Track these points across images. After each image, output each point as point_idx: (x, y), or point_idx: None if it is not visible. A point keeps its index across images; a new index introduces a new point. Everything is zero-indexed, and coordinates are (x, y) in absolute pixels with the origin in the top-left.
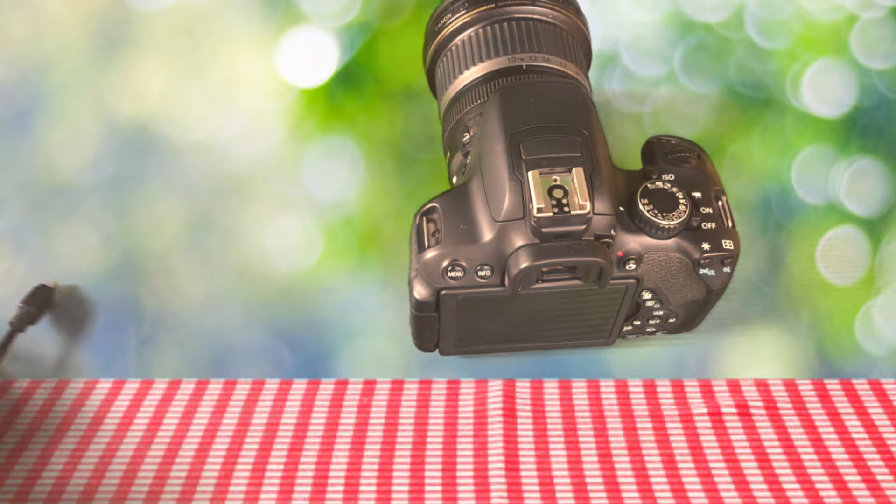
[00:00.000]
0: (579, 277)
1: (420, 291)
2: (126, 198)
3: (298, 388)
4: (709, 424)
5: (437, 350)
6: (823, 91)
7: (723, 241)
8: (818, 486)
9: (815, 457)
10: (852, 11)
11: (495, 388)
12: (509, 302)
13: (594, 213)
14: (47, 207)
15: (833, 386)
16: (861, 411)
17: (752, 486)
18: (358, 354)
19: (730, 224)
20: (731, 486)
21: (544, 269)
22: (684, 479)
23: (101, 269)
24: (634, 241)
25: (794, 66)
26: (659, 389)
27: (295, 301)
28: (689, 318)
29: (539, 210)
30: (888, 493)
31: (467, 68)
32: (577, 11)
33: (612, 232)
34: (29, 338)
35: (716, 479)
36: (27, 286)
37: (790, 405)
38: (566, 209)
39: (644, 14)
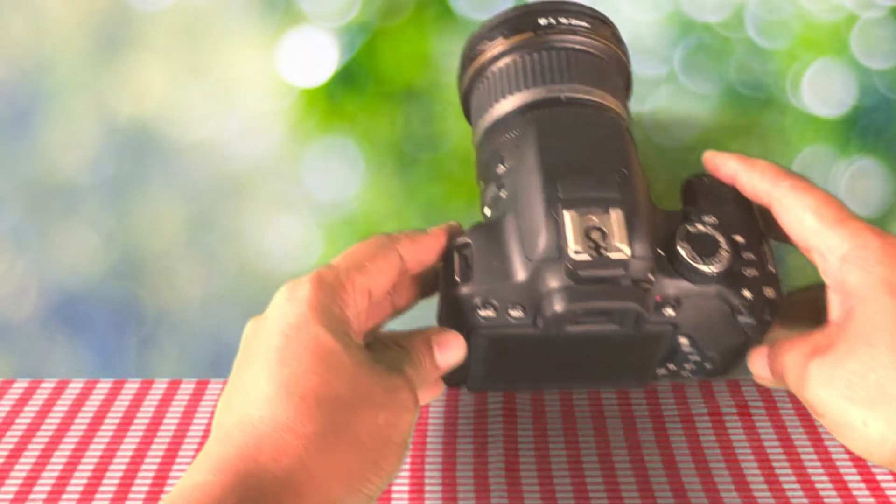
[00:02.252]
0: (615, 321)
1: (450, 328)
2: (126, 198)
3: None
4: (709, 424)
5: (464, 385)
6: (823, 91)
7: (764, 289)
8: (818, 486)
9: (815, 457)
10: (852, 11)
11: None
12: (541, 342)
13: (633, 257)
14: (47, 207)
15: None
16: None
17: (752, 486)
18: None
19: (772, 270)
20: (731, 487)
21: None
22: (684, 480)
23: (101, 269)
24: (673, 286)
25: (794, 66)
26: (659, 389)
27: None
28: (725, 363)
29: (576, 252)
30: (888, 493)
31: (504, 97)
32: (619, 41)
33: (651, 276)
34: (29, 337)
35: (716, 479)
36: (27, 286)
37: (790, 405)
38: (604, 252)
39: (644, 14)
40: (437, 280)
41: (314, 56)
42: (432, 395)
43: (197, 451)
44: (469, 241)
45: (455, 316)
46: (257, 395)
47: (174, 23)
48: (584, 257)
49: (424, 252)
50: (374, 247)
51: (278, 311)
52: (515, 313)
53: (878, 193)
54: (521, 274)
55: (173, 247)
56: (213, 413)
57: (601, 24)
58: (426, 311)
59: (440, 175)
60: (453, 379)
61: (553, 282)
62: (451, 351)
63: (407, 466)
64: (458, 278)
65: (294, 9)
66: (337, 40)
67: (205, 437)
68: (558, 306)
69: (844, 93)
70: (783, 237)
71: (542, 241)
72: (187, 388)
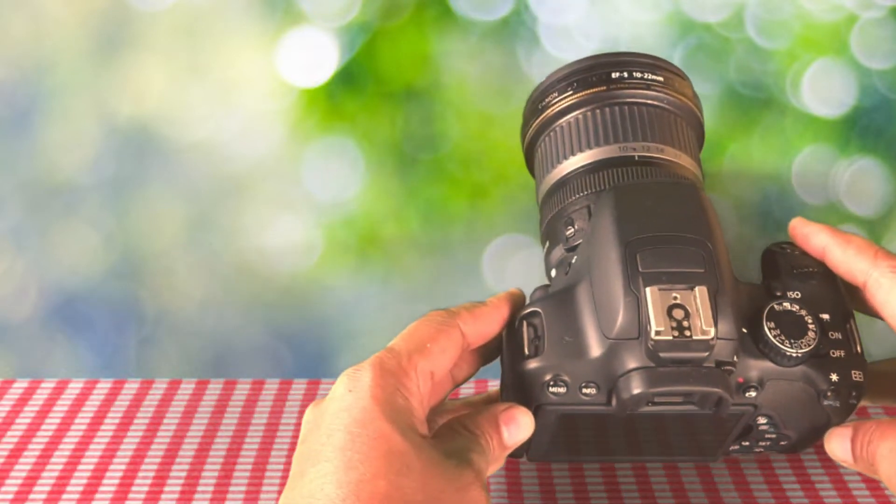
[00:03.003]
0: (694, 403)
1: (515, 402)
2: (126, 198)
3: (298, 388)
4: None
5: (524, 456)
6: (823, 91)
7: (852, 373)
8: (818, 486)
9: (814, 457)
10: (852, 11)
11: (495, 388)
12: (612, 420)
13: (717, 338)
14: (47, 207)
15: None
16: (861, 411)
17: (752, 486)
18: (358, 354)
19: (858, 349)
20: (731, 486)
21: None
22: (684, 479)
23: (101, 269)
24: (757, 368)
25: (794, 66)
26: None
27: (295, 301)
28: (801, 441)
29: (658, 333)
30: (888, 492)
31: (573, 154)
32: (693, 95)
33: (735, 358)
34: (29, 337)
35: (716, 479)
36: (27, 286)
37: None
38: (687, 333)
39: (644, 14)
40: (498, 348)
41: (314, 56)
42: (493, 470)
43: (197, 451)
44: (538, 310)
45: (523, 390)
46: (324, 503)
47: (174, 23)
48: (666, 337)
49: (486, 325)
50: (434, 325)
51: (340, 403)
52: (588, 391)
53: (878, 193)
54: (595, 350)
55: (173, 247)
56: (212, 412)
57: (675, 77)
58: None
59: (440, 175)
60: (515, 452)
61: (632, 362)
62: (520, 429)
63: None
64: (527, 351)
65: (294, 9)
66: (337, 40)
67: (204, 436)
68: (637, 389)
69: (844, 93)
70: (873, 312)
71: (621, 318)
72: (187, 388)
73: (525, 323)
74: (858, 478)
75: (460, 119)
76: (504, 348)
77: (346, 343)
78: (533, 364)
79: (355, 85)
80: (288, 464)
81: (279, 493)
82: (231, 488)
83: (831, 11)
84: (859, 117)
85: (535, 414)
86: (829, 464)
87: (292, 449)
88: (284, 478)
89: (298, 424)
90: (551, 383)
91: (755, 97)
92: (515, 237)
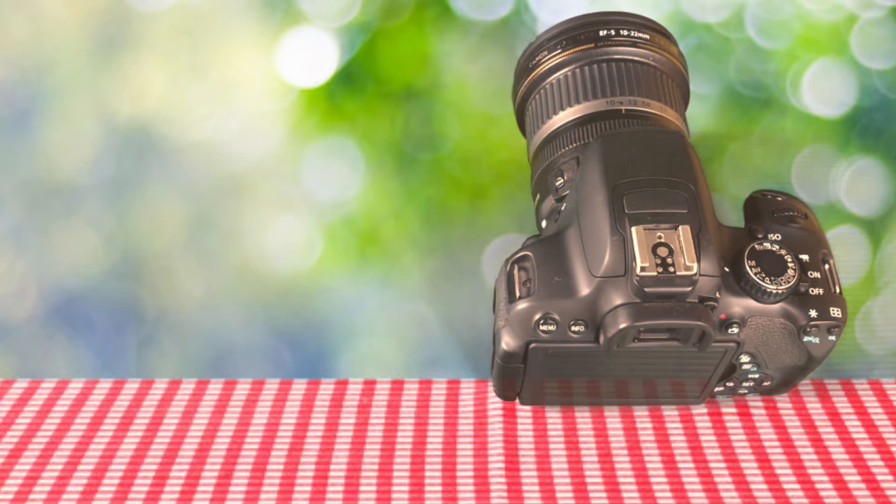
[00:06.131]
0: (678, 339)
1: (508, 342)
2: (126, 198)
3: (298, 388)
4: (709, 424)
5: (517, 399)
6: (823, 91)
7: (830, 309)
8: (818, 486)
9: (815, 457)
10: (852, 11)
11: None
12: (601, 358)
13: (700, 275)
14: (47, 207)
15: (833, 386)
16: (861, 411)
17: (752, 486)
18: (358, 354)
19: (837, 290)
20: (731, 486)
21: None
22: (684, 479)
23: (101, 269)
24: (738, 305)
25: (794, 66)
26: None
27: (295, 301)
28: (784, 382)
29: (643, 269)
30: (888, 493)
31: (562, 109)
32: (678, 53)
33: (717, 294)
34: (29, 337)
35: (716, 479)
36: (27, 286)
37: (790, 405)
38: (671, 269)
39: (644, 14)
40: None
41: (314, 56)
42: None
43: (197, 451)
44: (529, 254)
45: (514, 330)
46: None
47: (174, 23)
48: (651, 273)
49: None
50: None
51: None
52: (577, 328)
53: (878, 193)
54: (584, 289)
55: (173, 247)
56: (212, 413)
57: (660, 35)
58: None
59: (440, 175)
60: (507, 393)
61: (618, 298)
62: None
63: (407, 466)
64: (518, 293)
65: (294, 9)
66: (337, 40)
67: (205, 436)
68: (623, 323)
69: (844, 93)
70: None
71: (608, 257)
72: (187, 388)
73: (516, 266)
74: (859, 477)
75: (460, 119)
76: (496, 293)
77: (346, 343)
78: (524, 304)
79: (355, 85)
80: (288, 464)
81: (279, 492)
82: (231, 488)
83: (831, 11)
84: (859, 117)
85: (526, 352)
86: (828, 463)
87: (293, 449)
88: (285, 478)
89: (299, 425)
90: (542, 322)
91: (755, 97)
92: (515, 237)
